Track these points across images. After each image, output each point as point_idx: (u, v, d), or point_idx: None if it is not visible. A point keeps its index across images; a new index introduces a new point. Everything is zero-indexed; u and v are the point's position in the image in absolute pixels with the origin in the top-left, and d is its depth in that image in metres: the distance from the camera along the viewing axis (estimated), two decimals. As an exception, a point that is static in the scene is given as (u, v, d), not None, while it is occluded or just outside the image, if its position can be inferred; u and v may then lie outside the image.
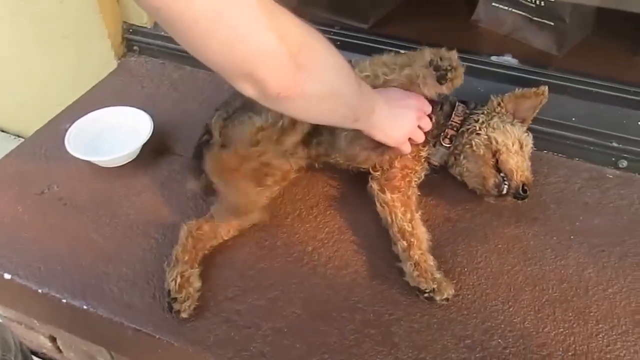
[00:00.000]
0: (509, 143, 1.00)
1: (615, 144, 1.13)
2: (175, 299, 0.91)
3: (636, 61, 1.25)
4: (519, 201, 1.01)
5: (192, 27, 0.62)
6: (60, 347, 1.28)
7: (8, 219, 1.10)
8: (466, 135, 1.04)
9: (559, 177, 1.14)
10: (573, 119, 1.15)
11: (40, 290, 0.99)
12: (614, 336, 0.88)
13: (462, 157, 1.05)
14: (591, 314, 0.92)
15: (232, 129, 1.04)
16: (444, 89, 0.97)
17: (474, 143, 1.02)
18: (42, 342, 1.30)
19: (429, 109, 1.02)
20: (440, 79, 0.95)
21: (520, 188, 0.98)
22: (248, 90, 0.70)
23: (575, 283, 0.96)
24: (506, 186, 0.99)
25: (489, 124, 1.02)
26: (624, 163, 1.13)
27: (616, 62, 1.24)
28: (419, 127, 1.00)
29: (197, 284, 0.94)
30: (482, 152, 1.01)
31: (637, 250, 1.00)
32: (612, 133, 1.13)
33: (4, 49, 1.67)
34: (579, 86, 1.16)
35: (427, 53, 0.97)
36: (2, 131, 2.05)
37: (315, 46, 0.72)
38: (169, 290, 0.92)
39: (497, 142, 1.00)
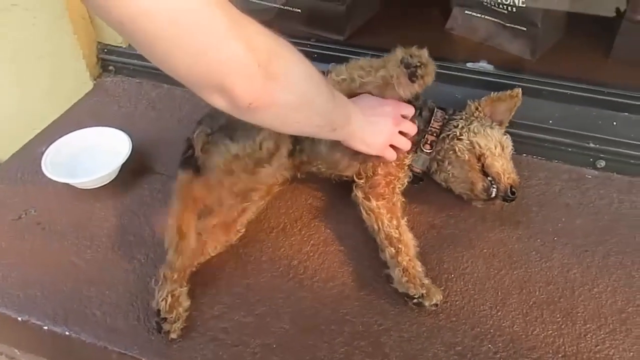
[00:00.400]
0: (491, 146, 1.01)
1: (592, 145, 1.15)
2: (165, 319, 0.89)
3: (608, 62, 1.27)
4: (507, 203, 1.02)
5: (156, 39, 0.61)
6: (44, 376, 1.25)
7: (-15, 247, 1.07)
8: (447, 140, 1.04)
9: (540, 180, 1.15)
10: (550, 121, 1.17)
11: (20, 318, 0.96)
12: (602, 335, 0.89)
13: (446, 163, 1.05)
14: (578, 314, 0.92)
15: (209, 155, 1.03)
16: (417, 87, 0.97)
17: (457, 148, 1.03)
18: (23, 372, 1.26)
19: (409, 112, 1.02)
20: (411, 76, 0.95)
21: (509, 190, 0.99)
22: (219, 102, 0.69)
23: (561, 284, 0.96)
24: (495, 189, 1.00)
25: (469, 129, 1.03)
26: (602, 163, 1.15)
27: (589, 64, 1.27)
28: (402, 132, 1.00)
29: (186, 303, 0.93)
30: (466, 157, 1.02)
31: (619, 249, 1.01)
32: (589, 134, 1.15)
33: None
34: (554, 89, 1.18)
35: (399, 52, 0.97)
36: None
37: (285, 55, 0.72)
38: (159, 310, 0.90)
39: (480, 146, 1.01)
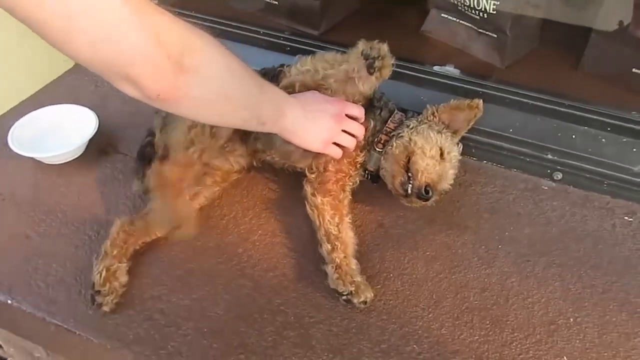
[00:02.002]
0: (426, 147, 0.99)
1: (550, 156, 1.15)
2: (98, 292, 0.92)
3: (576, 75, 1.26)
4: (426, 203, 1.00)
5: (47, 27, 0.61)
6: (0, 343, 1.28)
7: (-56, 213, 1.10)
8: (395, 139, 1.05)
9: (495, 187, 1.16)
10: (510, 130, 1.17)
11: (-35, 285, 0.99)
12: (528, 345, 0.89)
13: (383, 158, 1.06)
14: (508, 322, 0.93)
15: (169, 134, 1.05)
16: (374, 80, 0.99)
17: (395, 144, 1.03)
18: (-17, 337, 1.30)
19: (357, 112, 1.02)
20: (369, 68, 0.96)
21: (423, 189, 0.98)
22: (128, 90, 0.70)
23: (497, 292, 0.97)
24: (410, 186, 1.00)
25: (416, 130, 1.03)
26: (559, 175, 1.15)
27: (556, 76, 1.26)
28: (347, 132, 1.01)
29: (123, 278, 0.95)
30: (397, 152, 1.02)
31: (562, 261, 1.01)
32: (547, 145, 1.15)
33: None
34: (517, 98, 1.18)
35: (361, 44, 0.99)
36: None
37: (201, 47, 0.72)
38: (94, 283, 0.93)
39: (415, 144, 1.00)
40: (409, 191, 1.00)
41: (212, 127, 1.00)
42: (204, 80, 0.73)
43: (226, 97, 0.79)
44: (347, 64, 1.01)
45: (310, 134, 0.95)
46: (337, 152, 1.01)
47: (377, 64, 0.96)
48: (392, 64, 0.99)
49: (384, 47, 0.98)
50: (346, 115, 1.01)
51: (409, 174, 1.00)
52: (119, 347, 0.90)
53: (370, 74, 0.98)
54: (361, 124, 1.05)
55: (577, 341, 0.90)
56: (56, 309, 0.95)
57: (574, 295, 0.96)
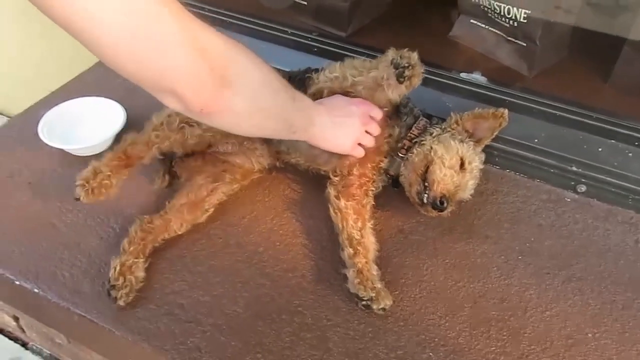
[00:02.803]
0: (446, 157, 0.99)
1: (574, 168, 1.14)
2: (114, 286, 0.94)
3: (605, 88, 1.25)
4: (440, 212, 1.00)
5: (100, 41, 0.62)
6: (23, 327, 1.32)
7: (-26, 200, 1.13)
8: (417, 146, 1.05)
9: (517, 197, 1.15)
10: (536, 140, 1.16)
11: (-5, 271, 1.02)
12: (544, 358, 0.89)
13: (404, 164, 1.06)
14: (525, 334, 0.92)
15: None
16: (404, 88, 0.99)
17: (415, 152, 1.03)
18: (7, 321, 1.33)
19: (378, 114, 1.03)
20: (399, 77, 0.97)
21: (438, 199, 0.97)
22: (172, 104, 0.71)
23: (515, 303, 0.97)
24: (426, 195, 1.00)
25: (438, 138, 1.03)
26: (583, 188, 1.14)
27: (584, 87, 1.24)
28: (367, 131, 1.01)
29: (140, 274, 0.97)
30: (417, 160, 1.02)
31: (582, 275, 1.01)
32: (573, 157, 1.14)
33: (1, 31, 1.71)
34: (544, 108, 1.18)
35: (391, 53, 1.00)
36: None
37: (243, 62, 0.73)
38: (109, 278, 0.95)
39: (435, 153, 1.00)
40: (425, 200, 1.00)
41: (180, 123, 1.03)
42: (243, 93, 0.74)
43: (263, 109, 0.80)
44: (376, 71, 1.02)
45: (338, 138, 0.97)
46: (361, 152, 1.02)
47: (407, 72, 0.96)
48: (422, 73, 1.00)
49: (414, 56, 0.98)
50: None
51: (426, 184, 1.00)
52: (140, 341, 0.92)
53: (400, 82, 0.98)
54: (380, 126, 1.05)
55: (595, 357, 0.90)
56: (80, 300, 0.97)
57: (593, 310, 0.96)
